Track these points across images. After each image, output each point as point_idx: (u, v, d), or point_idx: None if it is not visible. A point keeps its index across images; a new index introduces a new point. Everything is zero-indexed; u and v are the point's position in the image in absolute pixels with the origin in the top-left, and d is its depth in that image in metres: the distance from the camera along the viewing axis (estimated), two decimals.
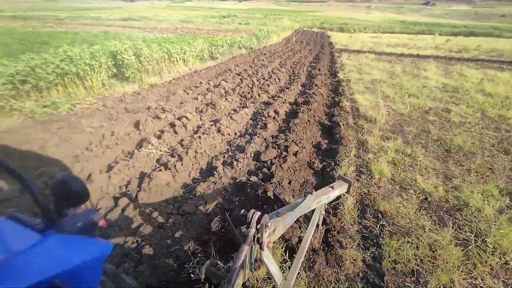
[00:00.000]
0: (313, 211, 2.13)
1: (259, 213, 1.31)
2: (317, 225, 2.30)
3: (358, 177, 3.45)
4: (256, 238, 1.32)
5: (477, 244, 2.38)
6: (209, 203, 2.86)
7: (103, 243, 1.00)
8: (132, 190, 3.07)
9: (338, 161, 3.74)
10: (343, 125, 5.06)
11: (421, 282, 2.02)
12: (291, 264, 1.87)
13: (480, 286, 1.99)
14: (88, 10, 60.72)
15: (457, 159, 4.02)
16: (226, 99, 6.30)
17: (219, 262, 2.09)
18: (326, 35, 28.65)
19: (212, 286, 1.43)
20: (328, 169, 3.65)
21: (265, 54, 14.17)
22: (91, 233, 1.01)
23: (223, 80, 8.09)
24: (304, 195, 1.81)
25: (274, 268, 1.49)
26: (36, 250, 0.82)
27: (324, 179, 3.53)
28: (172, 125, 4.77)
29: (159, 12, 59.72)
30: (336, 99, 6.97)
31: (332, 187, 2.14)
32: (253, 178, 3.21)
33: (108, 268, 1.28)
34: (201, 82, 7.86)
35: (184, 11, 67.33)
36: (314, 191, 1.94)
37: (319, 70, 10.51)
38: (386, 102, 6.84)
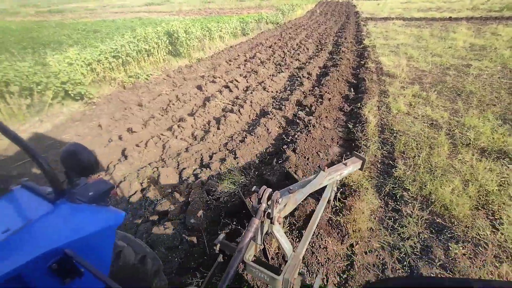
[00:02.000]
0: (325, 187, 2.15)
1: (270, 189, 1.37)
2: (328, 201, 2.32)
3: (378, 110, 4.54)
4: (267, 213, 1.38)
5: (462, 139, 3.44)
6: (271, 130, 4.15)
7: (114, 212, 1.03)
8: (212, 126, 4.44)
9: (363, 105, 4.80)
10: (368, 80, 6.02)
11: (419, 161, 3.14)
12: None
13: (461, 161, 3.08)
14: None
15: (465, 100, 4.89)
16: (264, 67, 7.45)
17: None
18: (351, 4, 27.87)
19: (226, 258, 1.57)
20: (355, 110, 4.75)
21: (291, 27, 14.84)
22: (103, 202, 1.04)
23: (257, 52, 9.19)
24: (317, 171, 1.87)
25: (284, 241, 1.53)
26: (48, 219, 0.85)
27: (351, 117, 4.64)
28: (226, 86, 6.07)
29: None
30: (361, 62, 7.80)
31: (346, 164, 2.17)
32: (300, 113, 4.44)
33: (125, 236, 1.35)
34: (238, 55, 9.04)
35: None
36: (326, 167, 1.97)
37: (345, 38, 11.13)
38: (409, 62, 7.55)
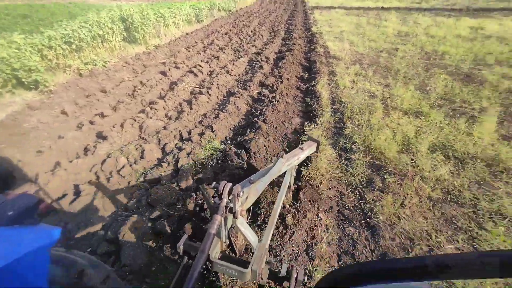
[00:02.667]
0: (284, 173, 2.19)
1: (230, 184, 1.34)
2: (289, 186, 2.39)
3: (329, 86, 5.34)
4: (229, 208, 1.35)
5: (391, 104, 4.40)
6: (240, 107, 4.59)
7: (46, 229, 0.88)
8: (185, 107, 4.70)
9: (316, 83, 5.55)
10: (318, 62, 6.83)
11: (362, 122, 3.94)
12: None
13: (390, 120, 3.98)
14: None
15: (394, 76, 6.01)
16: (224, 52, 7.75)
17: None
18: None
19: (191, 259, 1.48)
20: (309, 88, 5.47)
21: (243, 15, 15.14)
22: (29, 220, 0.92)
23: (215, 39, 9.37)
24: (275, 159, 1.92)
25: (249, 233, 1.53)
26: None
27: (307, 93, 5.34)
28: (190, 71, 6.26)
29: None
30: (311, 47, 8.64)
31: (302, 148, 2.21)
32: (264, 91, 4.97)
33: (84, 255, 1.20)
34: (196, 42, 9.11)
35: None
36: (284, 154, 1.98)
37: (295, 26, 11.94)
38: (351, 47, 8.65)
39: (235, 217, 1.40)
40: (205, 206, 2.57)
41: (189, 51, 8.10)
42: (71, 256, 1.11)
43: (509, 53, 7.57)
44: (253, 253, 1.52)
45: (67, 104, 4.56)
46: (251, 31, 11.01)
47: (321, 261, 2.11)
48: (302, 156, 2.19)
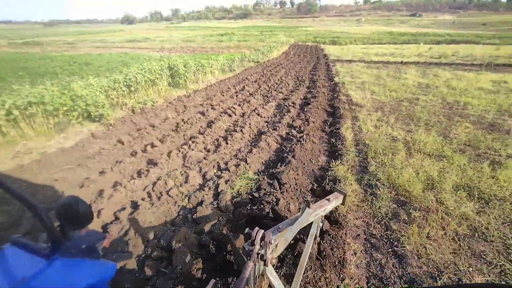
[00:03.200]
0: (310, 224, 2.20)
1: (262, 231, 1.35)
2: (315, 237, 2.39)
3: (352, 130, 5.78)
4: (259, 255, 1.36)
5: (414, 147, 4.68)
6: (270, 144, 5.12)
7: (107, 264, 1.06)
8: (221, 142, 5.31)
9: (340, 126, 6.04)
10: (342, 108, 7.42)
11: (385, 161, 4.23)
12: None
13: (413, 161, 4.24)
14: (91, 34, 64.42)
15: (415, 123, 6.36)
16: (254, 97, 8.68)
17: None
18: (320, 48, 31.82)
19: None
20: (334, 130, 5.95)
21: (270, 66, 16.83)
22: (95, 255, 1.06)
23: (245, 85, 10.52)
24: (302, 209, 1.94)
25: (277, 283, 1.52)
26: (42, 276, 0.86)
27: (332, 135, 5.80)
28: (225, 112, 7.08)
29: (159, 33, 63.76)
30: (334, 95, 9.39)
31: (328, 200, 2.23)
32: (292, 131, 5.51)
33: None
34: (229, 88, 10.28)
35: (182, 31, 71.52)
36: (311, 204, 1.99)
37: (318, 76, 13.05)
38: (372, 96, 9.28)
39: (265, 264, 1.42)
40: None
41: (223, 95, 9.15)
42: None
43: None
44: None
45: (123, 135, 5.38)
46: (278, 79, 12.20)
47: (350, 280, 2.29)
48: (329, 207, 2.24)
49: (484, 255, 2.56)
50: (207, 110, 7.09)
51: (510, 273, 2.36)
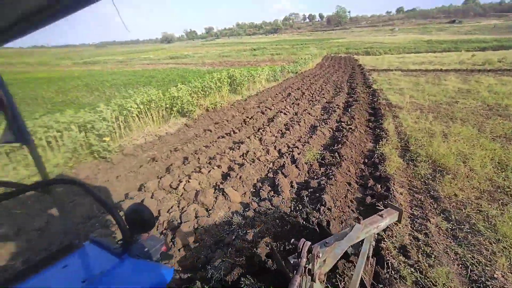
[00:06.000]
0: (362, 241, 2.09)
1: (309, 242, 1.31)
2: (367, 258, 2.22)
3: (393, 124, 6.87)
4: (306, 269, 1.31)
5: (450, 135, 5.65)
6: (325, 134, 6.43)
7: (166, 268, 1.17)
8: (284, 131, 6.72)
9: (382, 122, 7.15)
10: (382, 109, 8.50)
11: (424, 143, 5.27)
12: None
13: (448, 143, 5.24)
14: (137, 53, 71.98)
15: (453, 120, 7.23)
16: (301, 101, 10.10)
17: None
18: (353, 59, 32.64)
19: None
20: (377, 125, 7.08)
21: (308, 76, 18.28)
22: (155, 257, 1.21)
23: (290, 92, 12.03)
24: (351, 225, 1.86)
25: None
26: (115, 273, 1.02)
27: (375, 129, 6.91)
28: (281, 112, 8.57)
29: (196, 50, 69.30)
30: (374, 99, 10.45)
31: (381, 216, 2.12)
32: (342, 124, 6.79)
33: None
34: (276, 94, 11.86)
35: (217, 47, 76.75)
36: (362, 220, 1.91)
37: (356, 84, 14.15)
38: (411, 99, 10.17)
39: (313, 280, 1.36)
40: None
41: (273, 100, 10.72)
42: None
43: None
44: None
45: (206, 126, 7.08)
46: (318, 87, 13.55)
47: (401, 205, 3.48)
48: (382, 224, 2.13)
49: (498, 201, 3.57)
50: (265, 110, 8.65)
51: None
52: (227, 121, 7.67)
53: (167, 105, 7.10)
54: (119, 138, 5.81)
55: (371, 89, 12.86)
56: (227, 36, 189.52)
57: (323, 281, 1.56)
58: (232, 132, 6.53)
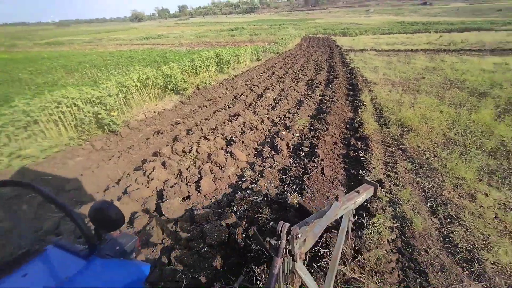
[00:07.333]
0: (341, 218, 2.19)
1: (288, 224, 1.34)
2: (347, 232, 2.33)
3: (369, 96, 7.82)
4: (287, 250, 1.35)
5: (415, 104, 6.67)
6: (311, 106, 7.20)
7: (141, 265, 1.15)
8: (274, 105, 7.40)
9: (360, 95, 8.06)
10: (359, 85, 9.43)
11: (395, 110, 6.24)
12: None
13: (413, 109, 6.26)
14: (105, 33, 67.36)
15: (419, 93, 8.33)
16: (285, 79, 10.77)
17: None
18: (331, 39, 33.49)
19: None
20: (355, 99, 7.98)
21: (289, 56, 18.86)
22: (129, 255, 1.16)
23: (274, 71, 12.62)
24: (330, 203, 1.85)
25: (308, 280, 1.51)
26: (83, 276, 0.96)
27: (354, 102, 7.81)
28: (268, 89, 9.19)
29: (170, 29, 66.27)
30: (352, 76, 11.38)
31: (358, 192, 2.20)
32: (325, 97, 7.60)
33: None
34: (261, 73, 12.40)
35: (192, 27, 73.85)
36: (340, 197, 1.96)
37: (335, 63, 15.02)
38: (384, 76, 11.23)
39: (294, 260, 1.42)
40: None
41: (259, 78, 11.28)
42: None
43: None
44: None
45: (202, 103, 7.56)
46: (300, 66, 14.24)
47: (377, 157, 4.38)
48: (359, 200, 2.21)
49: (449, 148, 4.60)
50: (253, 87, 9.23)
51: (457, 149, 4.39)
52: (219, 97, 8.18)
53: (162, 84, 7.42)
54: (121, 114, 6.15)
55: (349, 67, 13.80)
56: (202, 15, 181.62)
57: (305, 260, 1.65)
58: (227, 107, 7.09)
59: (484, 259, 2.33)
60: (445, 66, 13.39)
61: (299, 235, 1.38)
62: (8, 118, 4.62)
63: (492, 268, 2.27)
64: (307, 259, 2.44)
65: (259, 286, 2.12)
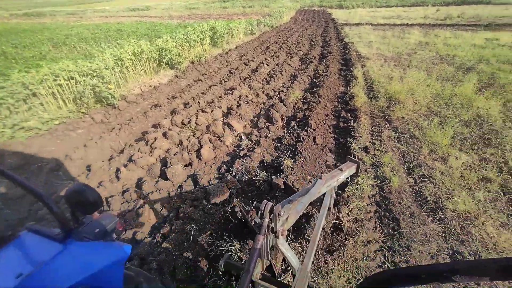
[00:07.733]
0: (324, 195, 2.26)
1: (271, 203, 1.39)
2: (329, 209, 2.45)
3: (361, 71, 8.04)
4: (270, 228, 1.42)
5: (404, 78, 6.96)
6: (305, 80, 7.40)
7: (121, 246, 1.14)
8: (269, 79, 7.57)
9: (353, 70, 8.25)
10: (353, 59, 9.58)
11: (385, 84, 6.52)
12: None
13: (403, 83, 6.55)
14: (89, 4, 63.52)
15: (410, 67, 8.57)
16: (280, 54, 10.78)
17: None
18: (327, 12, 32.60)
19: (233, 277, 1.62)
20: (348, 73, 8.19)
21: (284, 30, 18.50)
22: (109, 237, 1.16)
23: (268, 46, 12.53)
24: (314, 180, 1.95)
25: (290, 255, 1.59)
26: (59, 260, 0.93)
27: (346, 76, 8.02)
28: (262, 63, 9.26)
29: (158, 0, 62.89)
30: (345, 51, 11.46)
31: (341, 169, 2.26)
32: (319, 72, 7.79)
33: (139, 271, 1.46)
34: (255, 47, 12.31)
35: None
36: (323, 175, 2.00)
37: (330, 38, 14.91)
38: (378, 51, 11.34)
39: (276, 236, 1.49)
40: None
41: (253, 52, 11.25)
42: (128, 272, 1.34)
43: None
44: (294, 276, 1.60)
45: (197, 77, 7.65)
46: (295, 41, 14.12)
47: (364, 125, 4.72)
48: (342, 177, 2.26)
49: (430, 119, 4.97)
50: (247, 62, 9.28)
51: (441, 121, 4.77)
52: (214, 72, 8.25)
53: (156, 57, 7.42)
54: (118, 88, 6.25)
55: (343, 42, 13.77)
56: None
57: (287, 236, 1.76)
58: (222, 81, 7.23)
59: (446, 208, 2.78)
60: (438, 41, 13.51)
61: (282, 213, 1.46)
62: (7, 90, 4.72)
63: (451, 214, 2.72)
64: (291, 234, 2.57)
65: (243, 261, 2.21)
